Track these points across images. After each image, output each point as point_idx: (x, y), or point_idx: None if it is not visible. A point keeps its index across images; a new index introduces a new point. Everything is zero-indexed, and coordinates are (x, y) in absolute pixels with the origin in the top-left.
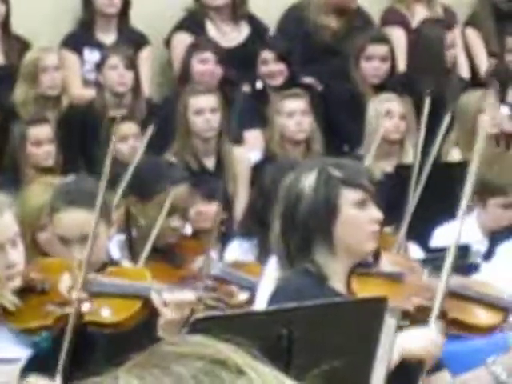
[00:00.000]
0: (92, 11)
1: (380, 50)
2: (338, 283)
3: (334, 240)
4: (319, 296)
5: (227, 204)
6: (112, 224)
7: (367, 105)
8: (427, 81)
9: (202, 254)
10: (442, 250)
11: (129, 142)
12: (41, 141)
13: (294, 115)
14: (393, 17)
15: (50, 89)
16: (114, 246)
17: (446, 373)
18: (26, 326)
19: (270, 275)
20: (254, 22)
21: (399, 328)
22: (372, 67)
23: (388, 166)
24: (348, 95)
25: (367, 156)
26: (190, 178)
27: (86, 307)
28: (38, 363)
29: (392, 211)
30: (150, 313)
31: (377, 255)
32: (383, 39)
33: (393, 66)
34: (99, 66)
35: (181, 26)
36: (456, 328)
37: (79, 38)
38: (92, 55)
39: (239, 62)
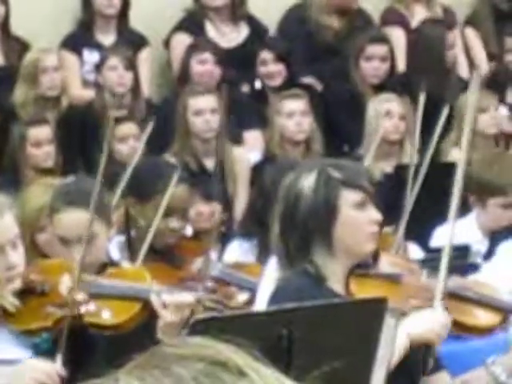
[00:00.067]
0: (91, 12)
1: (380, 50)
2: (336, 284)
3: (333, 241)
4: (317, 297)
5: (227, 204)
6: (112, 225)
7: (367, 105)
8: (427, 81)
9: (202, 255)
10: (441, 250)
11: (128, 142)
12: (40, 142)
13: (294, 115)
14: (392, 17)
15: (50, 89)
16: (114, 246)
17: (445, 374)
18: (26, 328)
19: (270, 275)
20: (253, 22)
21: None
22: (372, 67)
23: (387, 167)
24: (348, 95)
25: (367, 156)
26: (189, 179)
27: (84, 309)
28: None
29: (392, 212)
30: (149, 315)
31: (376, 256)
32: (383, 39)
33: (392, 66)
34: (99, 67)
35: (180, 26)
36: (455, 329)
37: (79, 39)
38: (91, 56)
39: (238, 62)
